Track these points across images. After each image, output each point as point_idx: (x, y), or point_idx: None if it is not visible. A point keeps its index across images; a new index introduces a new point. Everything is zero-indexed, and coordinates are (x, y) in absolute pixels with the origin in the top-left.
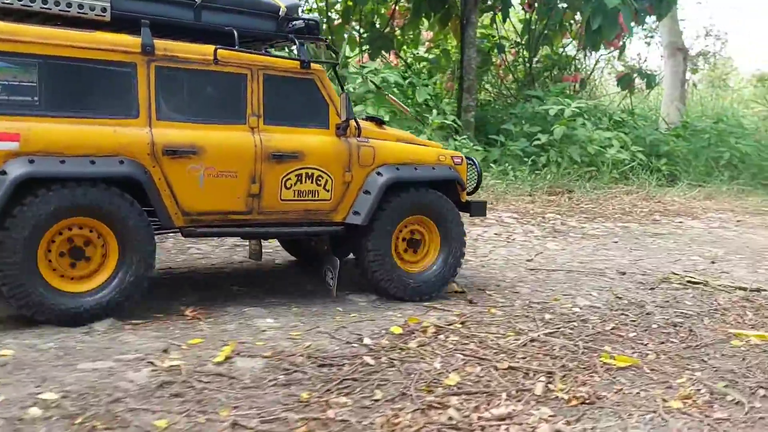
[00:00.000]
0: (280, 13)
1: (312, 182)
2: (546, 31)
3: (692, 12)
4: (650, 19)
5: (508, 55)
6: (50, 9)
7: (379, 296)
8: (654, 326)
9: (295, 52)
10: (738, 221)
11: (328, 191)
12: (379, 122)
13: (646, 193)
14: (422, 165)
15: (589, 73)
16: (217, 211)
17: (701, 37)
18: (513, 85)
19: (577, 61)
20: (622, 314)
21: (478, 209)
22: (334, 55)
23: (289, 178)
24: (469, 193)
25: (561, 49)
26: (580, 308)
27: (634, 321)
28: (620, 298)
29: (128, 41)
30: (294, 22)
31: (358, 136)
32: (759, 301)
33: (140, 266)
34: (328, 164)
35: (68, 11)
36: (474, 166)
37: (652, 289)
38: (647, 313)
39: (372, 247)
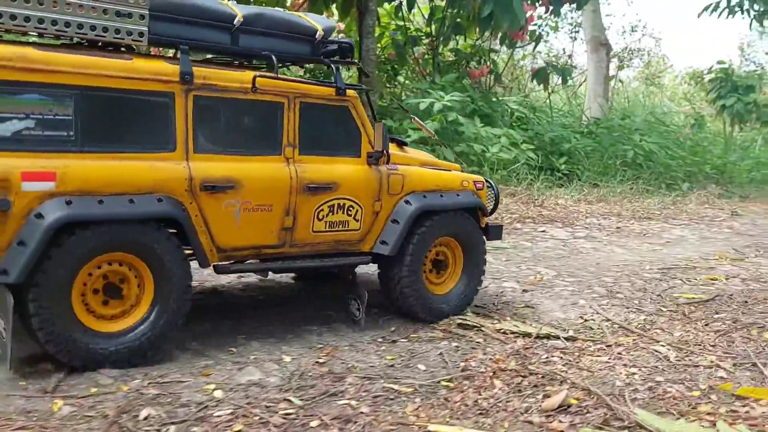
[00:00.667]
0: (317, 36)
1: (343, 213)
2: (458, 20)
3: (620, 7)
4: (575, 14)
5: (423, 48)
6: (86, 34)
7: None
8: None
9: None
10: (617, 228)
11: (357, 221)
12: (400, 144)
13: (528, 195)
14: (447, 191)
15: (503, 66)
16: (250, 246)
17: (627, 32)
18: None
19: (495, 54)
20: None
21: (496, 233)
22: (365, 78)
23: (322, 210)
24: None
25: (479, 41)
26: None
27: None
28: None
29: (167, 69)
30: (329, 45)
31: (387, 163)
32: (538, 355)
33: (176, 303)
34: (360, 194)
35: (104, 36)
36: (492, 189)
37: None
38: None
39: (404, 274)
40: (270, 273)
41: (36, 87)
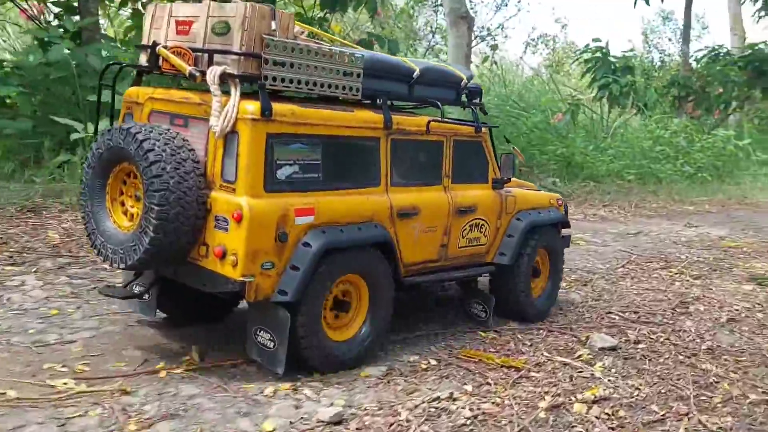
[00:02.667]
0: (462, 84)
1: (478, 230)
2: None
3: None
4: None
5: None
6: (324, 91)
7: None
8: None
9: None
10: None
11: (486, 237)
12: None
13: None
14: (543, 209)
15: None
16: (421, 261)
17: (500, 7)
18: None
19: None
20: None
21: (568, 242)
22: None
23: (465, 228)
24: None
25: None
26: None
27: None
28: None
29: (376, 118)
30: (467, 89)
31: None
32: None
33: (385, 312)
34: (489, 214)
35: (336, 92)
36: (563, 204)
37: None
38: None
39: (518, 282)
40: None
41: (300, 137)
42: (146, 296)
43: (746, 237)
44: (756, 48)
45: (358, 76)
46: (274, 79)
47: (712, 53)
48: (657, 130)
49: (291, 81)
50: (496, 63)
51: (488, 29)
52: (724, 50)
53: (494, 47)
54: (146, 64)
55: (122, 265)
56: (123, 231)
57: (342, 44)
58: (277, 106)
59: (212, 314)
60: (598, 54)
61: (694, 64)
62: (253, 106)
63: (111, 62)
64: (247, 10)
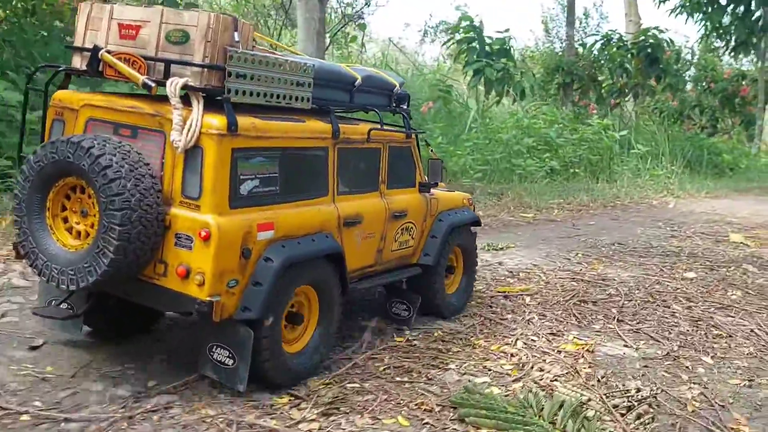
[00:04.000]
0: (394, 91)
1: (408, 234)
2: None
3: None
4: None
5: None
6: (279, 102)
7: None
8: None
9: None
10: None
11: (414, 239)
12: None
13: None
14: (459, 210)
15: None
16: (360, 267)
17: None
18: None
19: None
20: None
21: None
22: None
23: (398, 232)
24: None
25: None
26: None
27: None
28: None
29: (326, 128)
30: (397, 95)
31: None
32: None
33: (334, 321)
34: (417, 217)
35: (290, 104)
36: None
37: None
38: None
39: (437, 280)
40: None
41: (261, 151)
42: (77, 316)
43: (548, 268)
44: (648, 33)
45: (309, 85)
46: (237, 91)
47: (604, 39)
48: (526, 120)
49: (251, 93)
50: (363, 46)
51: (352, 6)
52: (617, 36)
53: (362, 26)
54: (84, 69)
55: (72, 287)
56: (69, 250)
57: (286, 51)
58: (240, 120)
59: (138, 327)
60: (471, 34)
61: (580, 50)
62: (217, 121)
63: (43, 64)
64: (211, 20)
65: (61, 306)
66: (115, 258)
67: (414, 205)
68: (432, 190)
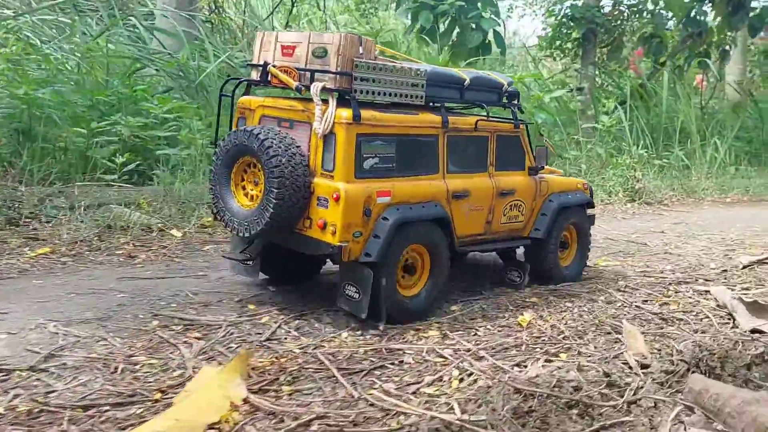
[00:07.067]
0: (503, 88)
1: (516, 210)
2: None
3: None
4: None
5: None
6: (397, 99)
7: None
8: None
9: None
10: None
11: (523, 215)
12: None
13: None
14: (572, 192)
15: None
16: (470, 234)
17: None
18: None
19: None
20: None
21: (593, 221)
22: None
23: (506, 208)
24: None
25: None
26: None
27: None
28: None
29: (436, 119)
30: (507, 92)
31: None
32: None
33: (442, 275)
34: (525, 196)
35: (406, 100)
36: (589, 188)
37: None
38: None
39: (550, 251)
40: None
41: (380, 137)
42: (253, 261)
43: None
44: None
45: (423, 86)
46: (361, 91)
47: None
48: None
49: (373, 93)
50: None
51: None
52: None
53: None
54: (258, 79)
55: (246, 234)
56: (245, 208)
57: (406, 60)
58: (363, 112)
59: (302, 275)
60: None
61: None
62: (347, 113)
63: (229, 77)
64: (342, 39)
65: (242, 254)
66: (274, 212)
67: (523, 185)
68: (544, 175)
